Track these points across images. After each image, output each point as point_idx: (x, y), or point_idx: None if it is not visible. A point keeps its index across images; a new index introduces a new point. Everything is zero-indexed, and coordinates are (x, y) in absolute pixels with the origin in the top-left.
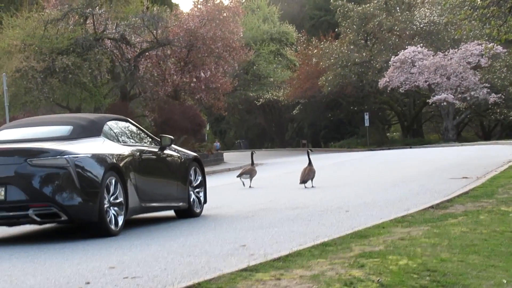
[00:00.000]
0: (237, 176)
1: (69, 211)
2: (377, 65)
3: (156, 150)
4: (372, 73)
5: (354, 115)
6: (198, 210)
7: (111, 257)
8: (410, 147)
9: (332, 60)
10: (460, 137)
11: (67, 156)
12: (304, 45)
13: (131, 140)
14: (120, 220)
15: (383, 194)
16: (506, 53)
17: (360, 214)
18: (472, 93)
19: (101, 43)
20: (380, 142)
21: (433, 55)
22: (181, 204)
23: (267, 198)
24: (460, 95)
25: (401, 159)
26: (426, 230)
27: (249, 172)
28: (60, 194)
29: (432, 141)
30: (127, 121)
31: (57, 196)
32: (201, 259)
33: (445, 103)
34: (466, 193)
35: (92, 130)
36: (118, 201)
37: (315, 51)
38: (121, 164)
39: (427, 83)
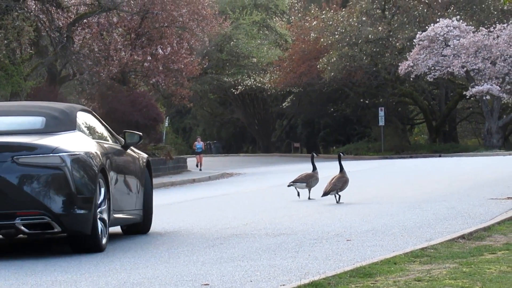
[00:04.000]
0: (289, 185)
1: (64, 221)
2: (398, 44)
3: (121, 149)
4: (390, 55)
5: (365, 110)
6: (149, 224)
7: None
8: (440, 156)
9: (336, 36)
10: (507, 143)
11: (61, 153)
12: (299, 15)
13: (98, 136)
14: (106, 232)
15: (399, 218)
16: None
17: (366, 244)
18: None
19: (22, 4)
20: (400, 147)
21: (473, 32)
22: (138, 216)
23: (242, 220)
24: (509, 87)
25: (426, 172)
26: (453, 268)
27: (306, 179)
28: (53, 200)
29: (470, 148)
30: (90, 112)
31: (50, 202)
32: None
33: (488, 97)
34: (510, 219)
35: (67, 122)
36: (104, 208)
37: (314, 23)
38: (106, 166)
39: (465, 69)
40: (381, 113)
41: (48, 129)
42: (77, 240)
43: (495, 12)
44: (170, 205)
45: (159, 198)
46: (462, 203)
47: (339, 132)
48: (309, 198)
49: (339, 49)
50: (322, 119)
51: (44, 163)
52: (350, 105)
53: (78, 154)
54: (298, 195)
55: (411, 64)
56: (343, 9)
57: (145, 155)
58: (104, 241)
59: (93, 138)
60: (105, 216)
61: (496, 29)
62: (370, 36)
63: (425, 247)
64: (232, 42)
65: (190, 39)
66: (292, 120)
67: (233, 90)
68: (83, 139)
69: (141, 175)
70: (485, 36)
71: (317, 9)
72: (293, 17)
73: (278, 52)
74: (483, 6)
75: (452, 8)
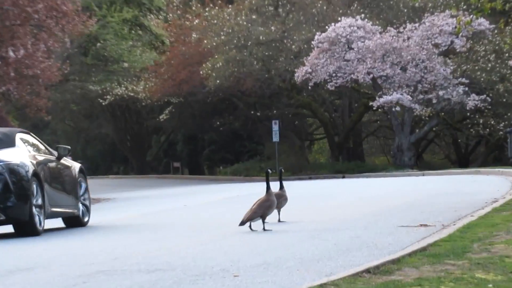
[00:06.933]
0: None
1: (7, 211)
2: (294, 47)
3: (54, 159)
4: (285, 59)
5: (257, 124)
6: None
7: None
8: (343, 177)
9: (222, 37)
10: (421, 161)
11: (1, 163)
12: (178, 12)
13: (35, 150)
14: (42, 220)
15: (295, 249)
16: (495, 31)
17: (256, 280)
18: (441, 93)
19: None
20: (297, 167)
21: (380, 33)
22: (75, 211)
23: (110, 254)
24: (422, 96)
25: (327, 195)
26: None
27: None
28: None
29: (378, 167)
30: (28, 133)
31: None
32: None
33: (398, 108)
34: (423, 250)
35: (8, 141)
36: (39, 203)
37: (196, 22)
38: (38, 171)
39: (371, 76)
40: (275, 127)
41: None
42: (19, 226)
43: (405, 10)
44: (25, 237)
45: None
46: (368, 231)
47: (227, 150)
48: (279, 221)
49: (226, 53)
50: (206, 134)
51: None
52: (239, 118)
53: (15, 163)
54: (279, 220)
55: (309, 70)
56: (230, 6)
57: (78, 164)
58: (40, 227)
59: (29, 152)
60: (41, 208)
61: (406, 29)
62: (261, 37)
63: (325, 283)
64: (98, 44)
65: (48, 39)
66: (171, 136)
67: (101, 101)
68: (20, 152)
69: (72, 179)
70: (394, 37)
71: (199, 5)
72: (171, 15)
73: (154, 55)
74: (391, 2)
75: (355, 5)
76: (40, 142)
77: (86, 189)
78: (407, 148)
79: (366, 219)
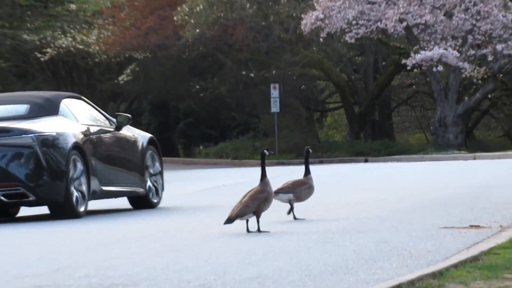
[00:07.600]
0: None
1: (37, 191)
2: None
3: (111, 129)
4: (288, 1)
5: (250, 89)
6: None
7: None
8: (366, 160)
9: None
10: (471, 140)
11: (32, 134)
12: None
13: (87, 119)
14: (84, 202)
15: (301, 257)
16: None
17: None
18: (500, 47)
19: None
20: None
21: None
22: (140, 190)
23: (51, 264)
24: (473, 52)
25: (344, 185)
26: None
27: (293, 189)
28: (27, 173)
29: (412, 148)
30: (80, 98)
31: (24, 175)
32: None
33: (440, 68)
34: (474, 260)
35: (50, 108)
36: (82, 181)
37: None
38: (82, 144)
39: (404, 24)
40: (275, 93)
41: (30, 115)
42: (54, 207)
43: None
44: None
45: None
46: (399, 234)
47: (209, 123)
48: (294, 218)
49: None
50: (181, 102)
51: (18, 143)
52: (226, 80)
53: (49, 134)
54: (289, 212)
55: (321, 16)
56: None
57: (148, 135)
58: (81, 209)
59: (77, 121)
60: (83, 187)
61: None
62: None
63: None
64: None
65: None
66: (135, 104)
67: (39, 55)
68: (61, 122)
69: (136, 153)
70: None
71: None
72: None
73: None
74: None
75: None
76: (96, 109)
77: (160, 165)
78: (453, 122)
79: (396, 217)
